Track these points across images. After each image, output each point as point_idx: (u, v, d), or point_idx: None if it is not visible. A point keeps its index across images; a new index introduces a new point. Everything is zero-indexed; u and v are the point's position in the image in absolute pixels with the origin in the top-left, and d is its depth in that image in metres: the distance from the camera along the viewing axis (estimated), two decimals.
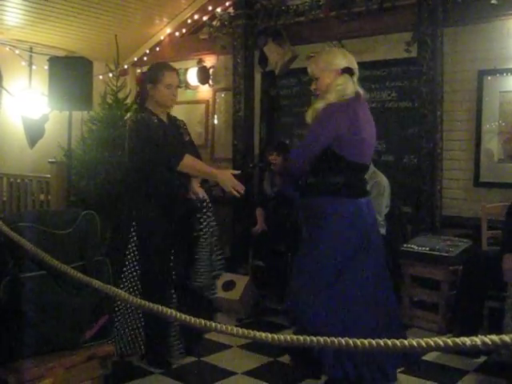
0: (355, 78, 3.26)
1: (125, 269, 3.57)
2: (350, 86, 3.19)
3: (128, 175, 3.79)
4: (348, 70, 3.21)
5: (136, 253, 3.58)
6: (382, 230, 5.00)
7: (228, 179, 3.49)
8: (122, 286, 3.53)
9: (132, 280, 3.57)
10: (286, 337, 1.46)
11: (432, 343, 1.24)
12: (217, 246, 3.80)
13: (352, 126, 3.08)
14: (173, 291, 3.60)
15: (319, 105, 3.17)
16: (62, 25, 7.07)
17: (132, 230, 3.59)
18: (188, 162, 3.53)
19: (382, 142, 5.99)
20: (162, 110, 3.72)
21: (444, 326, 4.48)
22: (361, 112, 3.17)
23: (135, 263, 3.58)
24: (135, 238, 3.58)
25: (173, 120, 3.85)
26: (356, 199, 3.15)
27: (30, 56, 7.51)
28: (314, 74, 3.29)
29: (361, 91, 3.26)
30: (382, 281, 3.26)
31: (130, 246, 3.58)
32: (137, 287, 3.58)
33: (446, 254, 4.55)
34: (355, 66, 3.28)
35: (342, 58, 3.25)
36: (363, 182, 3.29)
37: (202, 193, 3.75)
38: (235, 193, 3.46)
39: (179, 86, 3.73)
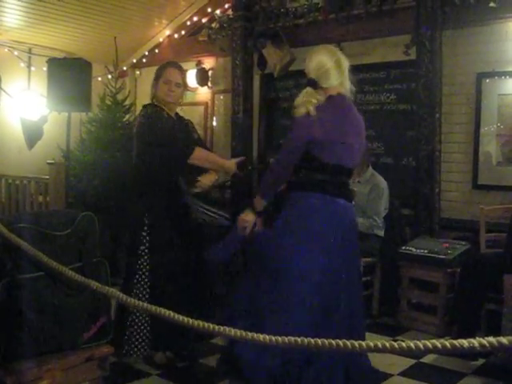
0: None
1: (138, 267, 3.58)
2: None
3: (137, 172, 3.79)
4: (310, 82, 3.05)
5: (147, 251, 3.59)
6: (381, 233, 5.02)
7: (231, 166, 3.75)
8: (135, 287, 3.55)
9: (144, 282, 3.58)
10: (284, 338, 1.46)
11: (430, 345, 1.24)
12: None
13: (326, 130, 2.93)
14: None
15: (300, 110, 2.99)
16: (61, 26, 7.08)
17: (144, 227, 3.61)
18: (199, 154, 3.60)
19: (380, 145, 6.00)
20: (168, 107, 3.75)
21: (442, 329, 4.47)
22: (341, 114, 3.02)
23: (148, 261, 3.60)
24: (147, 235, 3.60)
25: (181, 118, 3.91)
26: (334, 198, 2.99)
27: (29, 57, 7.52)
28: (307, 73, 3.13)
29: (345, 91, 3.06)
30: (352, 288, 3.01)
31: (143, 241, 3.60)
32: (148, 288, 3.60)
33: (445, 257, 4.56)
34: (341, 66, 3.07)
35: (324, 59, 3.09)
36: (343, 184, 3.10)
37: (208, 185, 3.85)
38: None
39: (178, 85, 3.75)
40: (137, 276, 3.57)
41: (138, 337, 3.56)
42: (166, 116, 3.68)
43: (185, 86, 3.91)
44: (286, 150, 3.06)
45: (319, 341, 1.36)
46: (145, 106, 3.75)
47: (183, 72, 3.90)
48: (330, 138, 2.95)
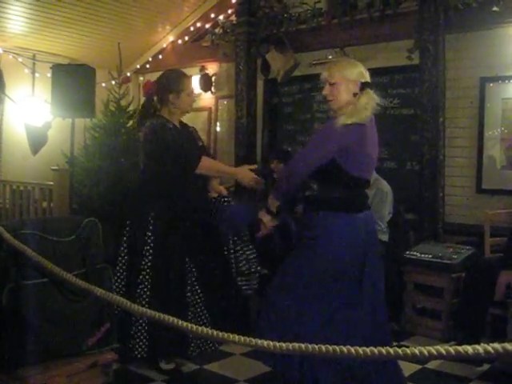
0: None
1: (142, 267, 3.57)
2: (373, 104, 3.00)
3: (144, 180, 3.80)
4: (368, 85, 3.03)
5: (151, 257, 3.58)
6: (385, 237, 5.00)
7: (246, 175, 3.64)
8: (138, 289, 3.54)
9: (148, 283, 3.57)
10: (288, 345, 1.46)
11: (434, 352, 1.24)
12: (247, 242, 3.91)
13: (358, 141, 2.94)
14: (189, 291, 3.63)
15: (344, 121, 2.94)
16: (65, 32, 7.11)
17: (148, 232, 3.60)
18: (206, 164, 3.62)
19: (384, 149, 5.98)
20: (177, 116, 3.80)
21: (447, 334, 4.45)
22: (369, 127, 3.02)
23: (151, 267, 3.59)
24: (151, 240, 3.59)
25: (185, 126, 3.91)
26: (354, 214, 3.01)
27: (33, 64, 7.55)
28: (333, 77, 3.04)
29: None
30: (378, 307, 3.08)
31: (148, 241, 3.60)
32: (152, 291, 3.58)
33: (449, 262, 4.54)
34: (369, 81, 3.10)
35: (363, 71, 3.07)
36: (364, 196, 3.16)
37: (223, 190, 3.91)
38: (255, 186, 3.66)
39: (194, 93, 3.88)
40: (140, 276, 3.56)
41: (141, 337, 3.53)
42: (171, 126, 3.68)
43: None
44: (305, 159, 3.04)
45: (323, 347, 1.35)
46: (148, 118, 3.74)
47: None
48: (355, 149, 2.95)
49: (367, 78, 3.07)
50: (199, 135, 4.07)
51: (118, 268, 3.63)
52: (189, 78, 3.85)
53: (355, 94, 3.00)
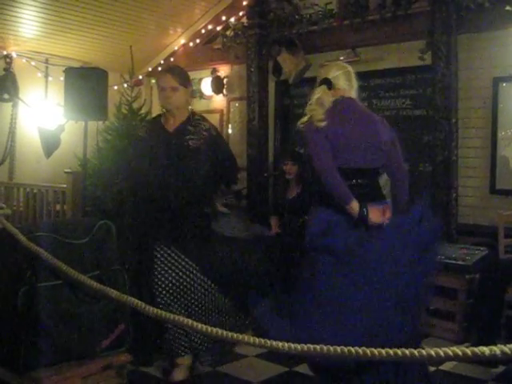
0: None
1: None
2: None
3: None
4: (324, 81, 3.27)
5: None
6: None
7: None
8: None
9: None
10: (303, 346, 1.46)
11: (450, 353, 1.23)
12: None
13: (340, 135, 3.07)
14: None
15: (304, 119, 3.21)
16: (78, 36, 7.14)
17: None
18: None
19: None
20: (170, 114, 3.70)
21: (461, 335, 4.43)
22: (352, 116, 3.18)
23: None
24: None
25: (184, 124, 3.71)
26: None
27: (46, 67, 7.59)
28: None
29: (352, 95, 3.27)
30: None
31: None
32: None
33: (463, 263, 4.52)
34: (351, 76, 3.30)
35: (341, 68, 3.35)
36: (362, 186, 3.14)
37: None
38: None
39: (175, 89, 3.61)
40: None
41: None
42: (141, 134, 3.75)
43: (185, 87, 3.69)
44: (318, 158, 3.09)
45: (338, 348, 1.35)
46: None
47: (179, 74, 3.69)
48: (343, 141, 3.08)
49: (343, 71, 3.32)
50: (205, 133, 3.69)
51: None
52: (164, 72, 3.77)
53: None
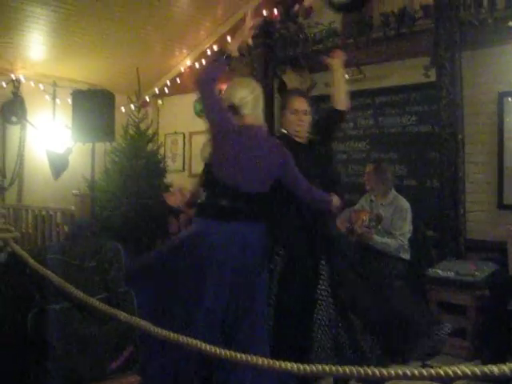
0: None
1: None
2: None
3: None
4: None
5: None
6: (406, 255, 4.97)
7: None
8: None
9: None
10: (312, 366, 1.45)
11: (459, 372, 1.23)
12: None
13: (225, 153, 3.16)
14: None
15: None
16: (85, 59, 7.22)
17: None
18: None
19: (403, 167, 5.98)
20: (296, 137, 3.66)
21: (472, 352, 4.39)
22: (245, 141, 3.17)
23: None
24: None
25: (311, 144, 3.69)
26: (226, 223, 3.08)
27: (54, 90, 7.66)
28: None
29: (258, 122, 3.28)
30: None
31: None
32: None
33: (472, 279, 4.49)
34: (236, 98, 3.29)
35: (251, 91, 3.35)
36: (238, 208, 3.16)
37: None
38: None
39: (305, 113, 3.61)
40: None
41: None
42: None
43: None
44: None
45: (340, 368, 1.35)
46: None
47: (308, 99, 3.72)
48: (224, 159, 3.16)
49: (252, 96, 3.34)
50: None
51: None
52: (293, 96, 3.77)
53: None
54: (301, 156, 3.46)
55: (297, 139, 3.61)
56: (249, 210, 3.15)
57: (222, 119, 3.19)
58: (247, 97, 3.28)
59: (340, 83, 3.71)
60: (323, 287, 3.29)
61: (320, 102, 6.50)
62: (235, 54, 3.31)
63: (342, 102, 3.67)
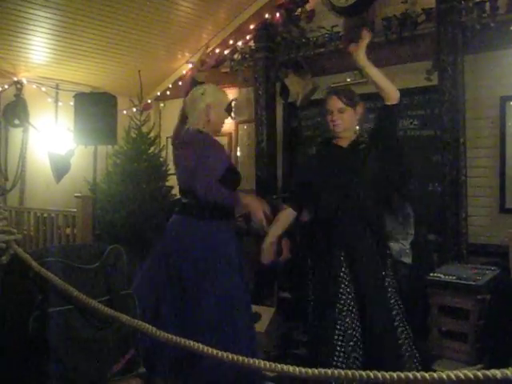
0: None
1: None
2: None
3: None
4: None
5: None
6: (408, 259, 4.96)
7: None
8: None
9: None
10: (314, 370, 1.45)
11: (462, 376, 1.22)
12: None
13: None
14: None
15: None
16: (87, 61, 7.24)
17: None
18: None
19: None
20: (340, 136, 3.62)
21: (474, 356, 4.38)
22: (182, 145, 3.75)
23: None
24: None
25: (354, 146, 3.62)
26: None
27: (56, 93, 7.68)
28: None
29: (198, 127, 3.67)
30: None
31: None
32: None
33: (474, 283, 4.48)
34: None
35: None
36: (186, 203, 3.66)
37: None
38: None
39: (341, 110, 3.54)
40: None
41: None
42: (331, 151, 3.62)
43: (353, 107, 3.55)
44: None
45: (349, 372, 1.35)
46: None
47: (346, 95, 3.56)
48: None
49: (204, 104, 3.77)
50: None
51: None
52: (330, 95, 3.68)
53: None
54: (341, 161, 3.47)
55: (339, 142, 3.56)
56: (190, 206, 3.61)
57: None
58: (199, 104, 3.71)
59: (376, 78, 3.50)
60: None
61: (322, 106, 6.52)
62: None
63: (387, 95, 3.49)
